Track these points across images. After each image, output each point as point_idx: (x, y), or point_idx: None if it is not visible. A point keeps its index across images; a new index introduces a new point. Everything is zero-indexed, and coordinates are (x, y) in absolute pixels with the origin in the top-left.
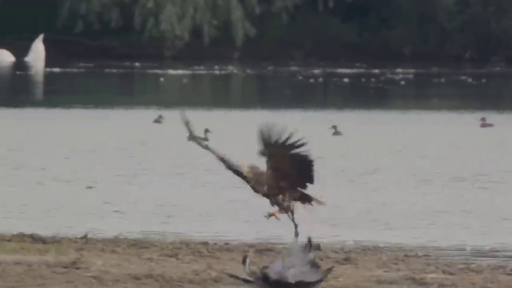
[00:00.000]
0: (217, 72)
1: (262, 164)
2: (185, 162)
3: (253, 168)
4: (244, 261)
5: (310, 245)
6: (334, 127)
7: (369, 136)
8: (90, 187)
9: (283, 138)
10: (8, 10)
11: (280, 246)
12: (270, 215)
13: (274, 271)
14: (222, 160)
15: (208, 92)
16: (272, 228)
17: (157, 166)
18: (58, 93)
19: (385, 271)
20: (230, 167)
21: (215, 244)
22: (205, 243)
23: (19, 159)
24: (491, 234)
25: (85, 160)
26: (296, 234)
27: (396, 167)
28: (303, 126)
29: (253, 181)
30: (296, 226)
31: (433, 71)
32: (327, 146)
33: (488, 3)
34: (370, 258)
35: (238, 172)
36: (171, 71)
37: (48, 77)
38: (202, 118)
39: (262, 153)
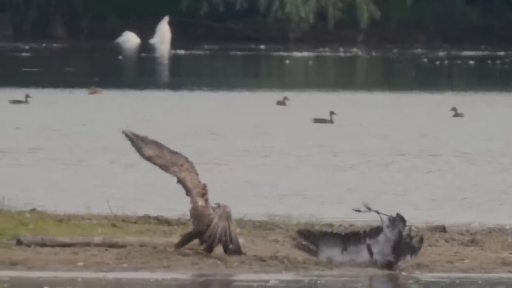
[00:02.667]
0: (341, 54)
1: None
2: (308, 145)
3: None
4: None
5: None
6: (454, 109)
7: (492, 118)
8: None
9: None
10: None
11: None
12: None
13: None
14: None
15: (333, 75)
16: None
17: (279, 148)
18: (183, 75)
19: (510, 253)
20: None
21: (340, 225)
22: (330, 225)
23: None
24: None
25: (209, 142)
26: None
27: None
28: (426, 108)
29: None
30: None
31: None
32: (447, 127)
33: None
34: (496, 240)
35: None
36: (296, 53)
37: (173, 59)
38: (327, 100)
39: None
